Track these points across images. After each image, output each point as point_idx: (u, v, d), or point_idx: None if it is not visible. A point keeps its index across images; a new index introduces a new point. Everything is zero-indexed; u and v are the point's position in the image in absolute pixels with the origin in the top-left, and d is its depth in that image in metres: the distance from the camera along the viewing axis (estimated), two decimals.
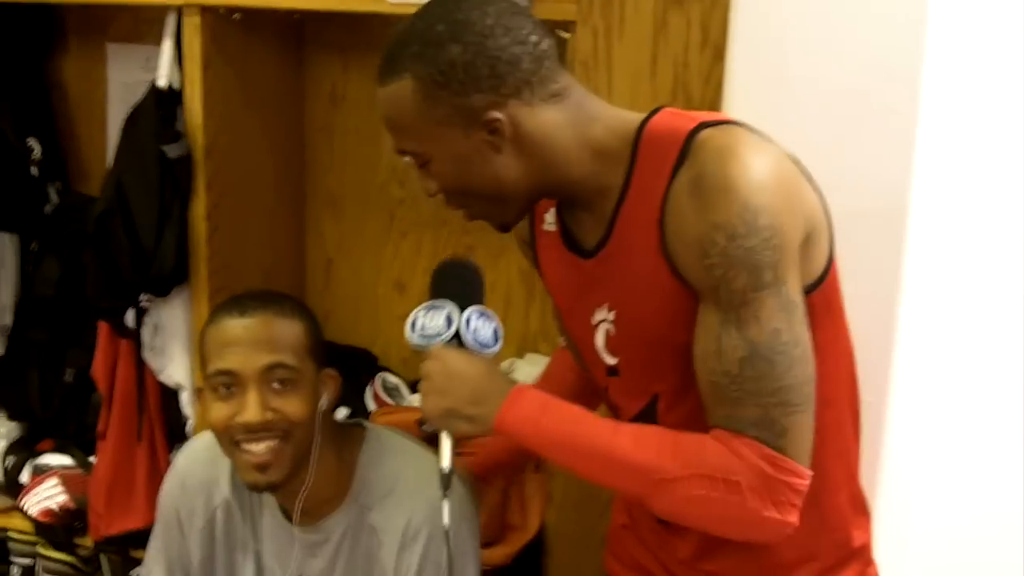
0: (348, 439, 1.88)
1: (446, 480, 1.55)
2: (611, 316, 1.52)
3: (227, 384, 1.73)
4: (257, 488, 1.78)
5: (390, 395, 2.64)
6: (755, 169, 1.32)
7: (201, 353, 1.80)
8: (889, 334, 1.82)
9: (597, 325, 1.55)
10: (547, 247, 1.65)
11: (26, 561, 2.86)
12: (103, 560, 2.80)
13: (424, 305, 1.56)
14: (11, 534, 2.88)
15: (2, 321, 2.92)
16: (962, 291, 1.87)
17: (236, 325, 1.75)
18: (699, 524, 1.47)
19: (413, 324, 1.55)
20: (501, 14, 1.42)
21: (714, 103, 2.02)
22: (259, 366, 1.72)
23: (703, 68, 2.07)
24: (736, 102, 1.90)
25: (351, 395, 2.61)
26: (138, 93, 2.51)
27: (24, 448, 2.90)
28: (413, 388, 2.70)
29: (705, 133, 1.39)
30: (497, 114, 1.42)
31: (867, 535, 1.61)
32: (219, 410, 1.74)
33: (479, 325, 1.54)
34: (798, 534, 1.49)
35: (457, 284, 1.59)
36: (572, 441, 1.46)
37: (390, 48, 1.46)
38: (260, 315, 1.76)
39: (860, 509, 1.61)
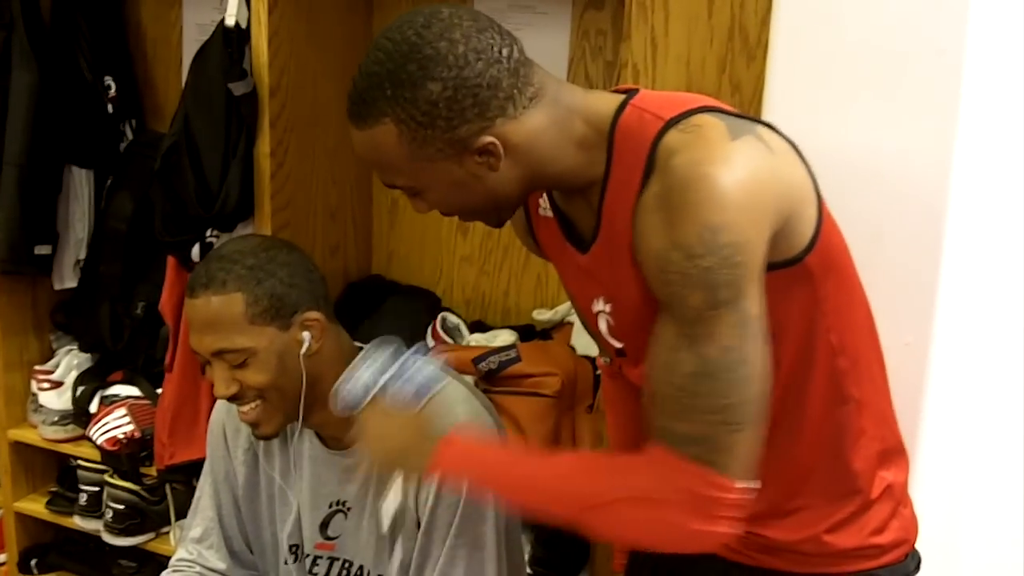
0: None
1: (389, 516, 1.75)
2: (608, 308, 1.57)
3: (201, 359, 1.86)
4: (258, 439, 1.94)
5: (450, 335, 2.71)
6: (720, 185, 1.32)
7: None
8: (933, 273, 1.84)
9: (597, 314, 1.60)
10: (547, 234, 1.69)
11: (93, 489, 2.98)
12: (167, 489, 2.92)
13: (344, 376, 1.73)
14: (80, 462, 3.01)
15: (76, 255, 3.03)
16: (1007, 238, 1.89)
17: (188, 305, 1.85)
18: (633, 543, 1.59)
19: (364, 359, 1.73)
20: (468, 37, 1.42)
21: (769, 44, 2.05)
22: (209, 349, 1.82)
23: (760, 9, 2.09)
24: (786, 41, 1.92)
25: (413, 333, 2.68)
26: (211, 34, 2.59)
27: (94, 378, 3.03)
28: (472, 328, 2.79)
29: (671, 139, 1.39)
30: (488, 138, 1.43)
31: (899, 476, 1.65)
32: (208, 373, 1.87)
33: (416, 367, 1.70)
34: (818, 481, 1.58)
35: (382, 351, 1.74)
36: (501, 479, 1.59)
37: (360, 90, 1.47)
38: (202, 296, 1.81)
39: (892, 456, 1.64)
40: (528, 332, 2.74)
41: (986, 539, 2.03)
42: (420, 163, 1.46)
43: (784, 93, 1.89)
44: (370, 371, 1.70)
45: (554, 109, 1.48)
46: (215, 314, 1.80)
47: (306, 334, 1.85)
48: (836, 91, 1.84)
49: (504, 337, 2.66)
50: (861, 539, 1.61)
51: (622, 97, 1.49)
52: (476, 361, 2.46)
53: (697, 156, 1.35)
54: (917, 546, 1.70)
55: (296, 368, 1.84)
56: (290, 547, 2.03)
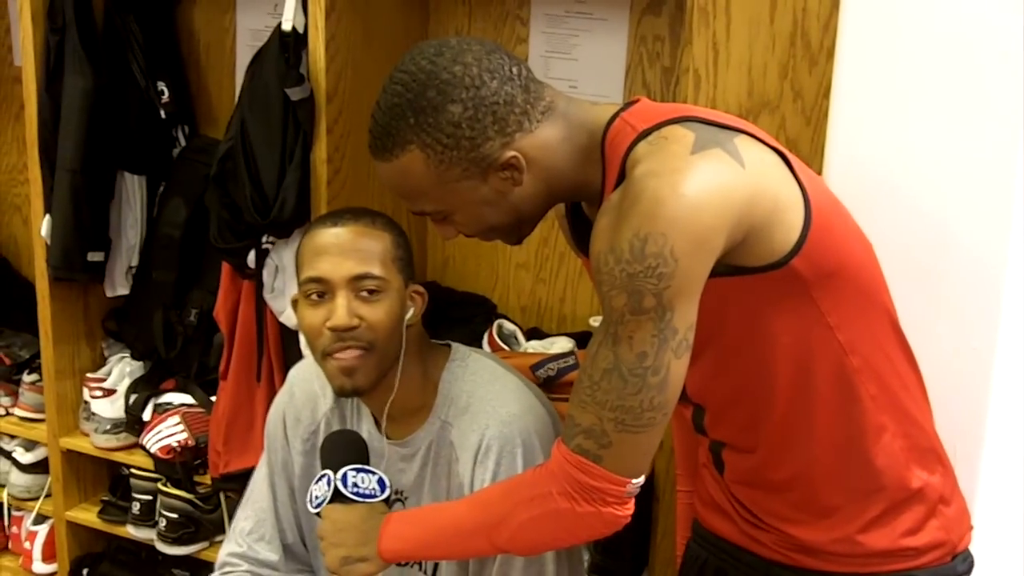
0: (435, 356, 2.06)
1: None
2: None
3: (319, 292, 1.93)
4: (344, 393, 1.97)
5: (505, 341, 2.79)
6: (660, 197, 1.42)
7: (297, 263, 2.00)
8: (999, 278, 1.89)
9: None
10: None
11: (146, 498, 3.07)
12: (221, 498, 3.01)
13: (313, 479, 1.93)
14: (132, 470, 3.10)
15: (129, 262, 3.12)
16: None
17: (328, 234, 1.95)
18: (541, 545, 1.74)
19: (308, 499, 1.92)
20: (480, 59, 1.57)
21: (831, 49, 2.12)
22: (348, 274, 1.91)
23: (822, 14, 2.15)
24: (852, 47, 1.99)
25: (468, 340, 2.70)
26: (265, 39, 2.68)
27: (147, 386, 3.12)
28: (528, 335, 2.87)
29: (639, 150, 1.52)
30: (510, 153, 1.58)
31: (933, 478, 1.71)
32: (310, 316, 1.94)
33: (358, 480, 1.88)
34: (840, 478, 1.66)
35: (336, 451, 1.95)
36: (436, 535, 1.75)
37: (382, 124, 1.60)
38: (351, 226, 1.94)
39: (923, 456, 1.71)
40: (585, 339, 2.79)
41: None
42: (448, 185, 1.60)
43: (850, 99, 1.96)
44: (325, 478, 1.89)
45: (565, 122, 1.62)
46: (362, 242, 1.94)
47: (410, 303, 1.99)
48: (901, 95, 1.91)
49: (561, 344, 2.73)
50: (893, 540, 1.68)
51: (617, 108, 1.62)
52: (534, 368, 2.54)
53: (652, 167, 1.47)
54: (977, 550, 1.77)
55: (400, 332, 1.95)
56: None
